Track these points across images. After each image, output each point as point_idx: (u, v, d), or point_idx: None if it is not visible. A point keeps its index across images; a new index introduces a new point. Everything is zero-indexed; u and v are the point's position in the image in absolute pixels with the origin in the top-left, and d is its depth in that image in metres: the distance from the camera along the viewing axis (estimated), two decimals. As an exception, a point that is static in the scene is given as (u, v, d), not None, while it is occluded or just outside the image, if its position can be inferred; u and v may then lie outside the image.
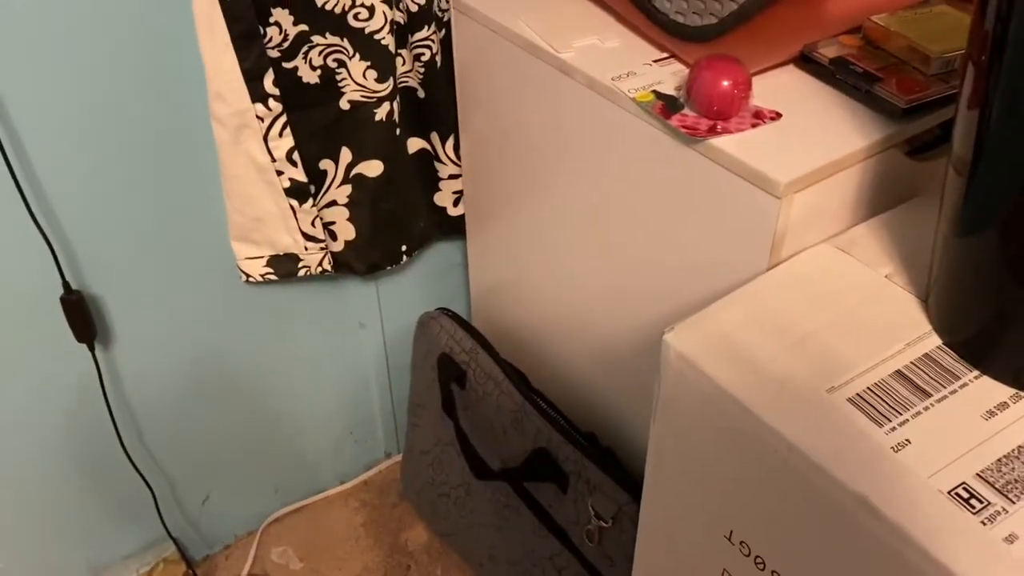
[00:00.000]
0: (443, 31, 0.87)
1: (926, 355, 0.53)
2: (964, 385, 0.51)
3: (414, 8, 0.84)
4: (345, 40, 0.81)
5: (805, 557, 0.50)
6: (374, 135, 0.87)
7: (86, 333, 0.85)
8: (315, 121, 0.84)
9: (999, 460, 0.47)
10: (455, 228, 1.02)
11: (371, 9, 0.80)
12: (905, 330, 0.55)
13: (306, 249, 0.91)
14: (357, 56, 0.82)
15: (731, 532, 0.55)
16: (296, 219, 0.88)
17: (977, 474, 0.46)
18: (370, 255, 0.96)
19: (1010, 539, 0.43)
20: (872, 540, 0.45)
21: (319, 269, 0.93)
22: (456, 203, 0.99)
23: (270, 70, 0.78)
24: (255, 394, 1.05)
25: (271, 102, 0.80)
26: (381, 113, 0.86)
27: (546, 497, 0.89)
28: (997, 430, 0.48)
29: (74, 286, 0.83)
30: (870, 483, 0.45)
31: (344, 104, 0.85)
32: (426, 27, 0.85)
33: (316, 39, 0.80)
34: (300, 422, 1.12)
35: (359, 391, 1.15)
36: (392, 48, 0.83)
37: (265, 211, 0.86)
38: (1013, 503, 0.44)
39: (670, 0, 0.68)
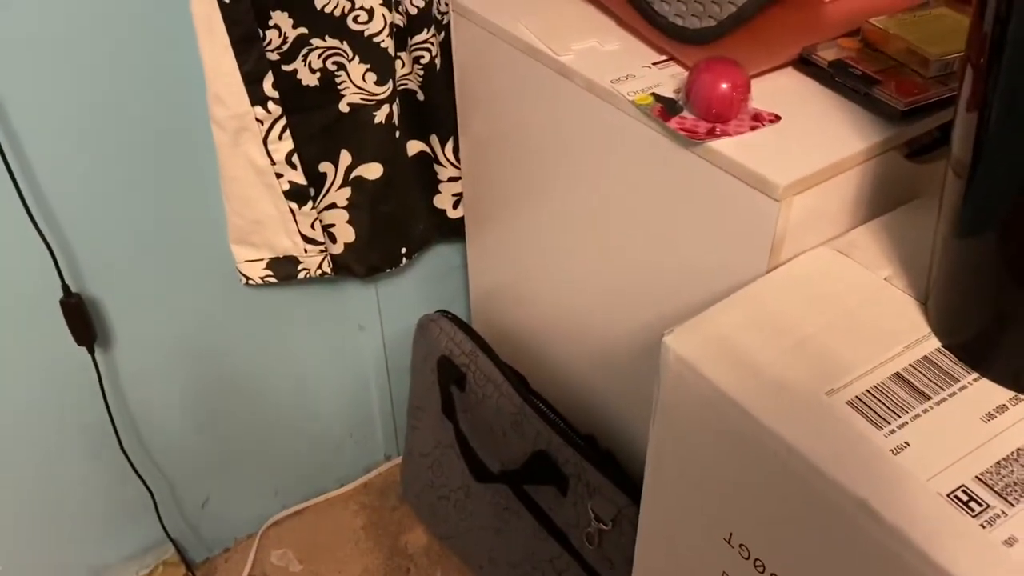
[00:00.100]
0: (442, 34, 0.87)
1: (925, 357, 0.53)
2: (963, 388, 0.51)
3: (413, 11, 0.84)
4: (344, 43, 0.81)
5: (804, 560, 0.50)
6: (374, 138, 0.87)
7: (86, 336, 0.85)
8: (314, 124, 0.84)
9: (998, 463, 0.46)
10: (455, 230, 1.02)
11: (370, 12, 0.80)
12: (904, 332, 0.55)
13: (306, 252, 0.91)
14: (356, 59, 0.82)
15: (731, 535, 0.55)
16: (296, 222, 0.88)
17: (976, 477, 0.46)
18: (370, 257, 0.96)
19: (1009, 542, 0.43)
20: (871, 543, 0.45)
21: (319, 272, 0.93)
22: (456, 205, 0.99)
23: (269, 73, 0.78)
24: (255, 396, 1.05)
25: (271, 105, 0.80)
26: (381, 116, 0.86)
27: (546, 500, 0.89)
28: (996, 433, 0.48)
29: (73, 288, 0.83)
30: (869, 486, 0.45)
31: (344, 107, 0.85)
32: (425, 30, 0.85)
33: (315, 42, 0.80)
34: (300, 425, 1.12)
35: (359, 393, 1.15)
36: (391, 51, 0.83)
37: (264, 214, 0.86)
38: (1012, 506, 0.44)
39: (669, 3, 0.68)
